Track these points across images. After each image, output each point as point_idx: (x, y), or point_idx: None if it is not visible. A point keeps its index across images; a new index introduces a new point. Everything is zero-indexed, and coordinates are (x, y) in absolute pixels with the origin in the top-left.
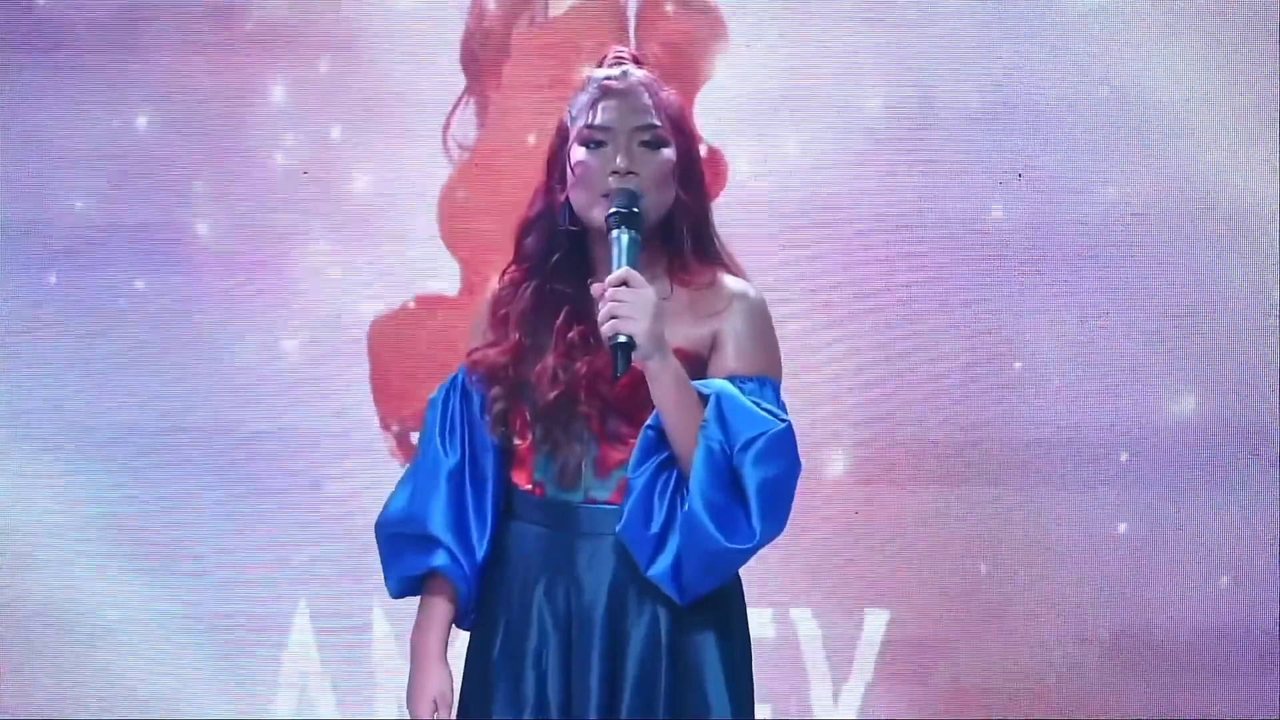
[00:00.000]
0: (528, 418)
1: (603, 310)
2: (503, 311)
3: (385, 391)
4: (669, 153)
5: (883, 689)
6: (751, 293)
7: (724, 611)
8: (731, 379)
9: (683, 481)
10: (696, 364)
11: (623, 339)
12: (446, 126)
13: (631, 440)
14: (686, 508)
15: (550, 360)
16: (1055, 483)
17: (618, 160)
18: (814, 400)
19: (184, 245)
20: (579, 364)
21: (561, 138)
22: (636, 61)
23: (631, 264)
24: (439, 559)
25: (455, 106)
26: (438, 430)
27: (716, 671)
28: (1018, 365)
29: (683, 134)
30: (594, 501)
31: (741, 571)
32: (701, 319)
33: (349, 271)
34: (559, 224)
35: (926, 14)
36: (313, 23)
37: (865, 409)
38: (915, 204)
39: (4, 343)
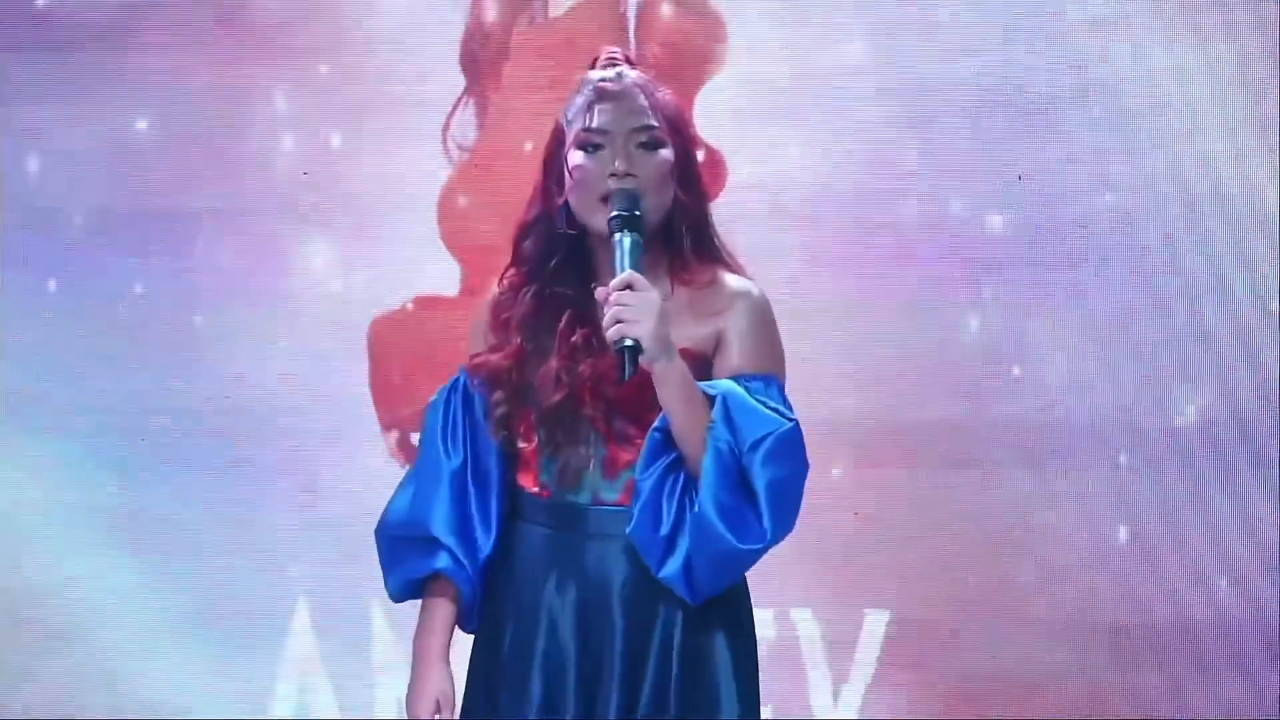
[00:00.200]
0: (532, 421)
1: (608, 315)
2: (504, 316)
3: (385, 392)
4: (667, 153)
5: (883, 689)
6: (754, 291)
7: (734, 611)
8: (737, 378)
9: (691, 482)
10: (700, 363)
11: (629, 343)
12: (446, 127)
13: (638, 441)
14: (696, 509)
15: (554, 363)
16: (1055, 483)
17: (616, 163)
18: (813, 401)
19: (183, 245)
20: (583, 366)
21: (558, 141)
22: (629, 62)
23: (634, 267)
24: (441, 561)
25: (455, 107)
26: (439, 432)
27: (727, 671)
28: (1016, 371)
29: (680, 134)
30: (602, 503)
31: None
32: (704, 318)
33: (348, 272)
34: (557, 228)
35: (926, 13)
36: (313, 23)
37: (865, 409)
38: (915, 204)
39: (4, 342)
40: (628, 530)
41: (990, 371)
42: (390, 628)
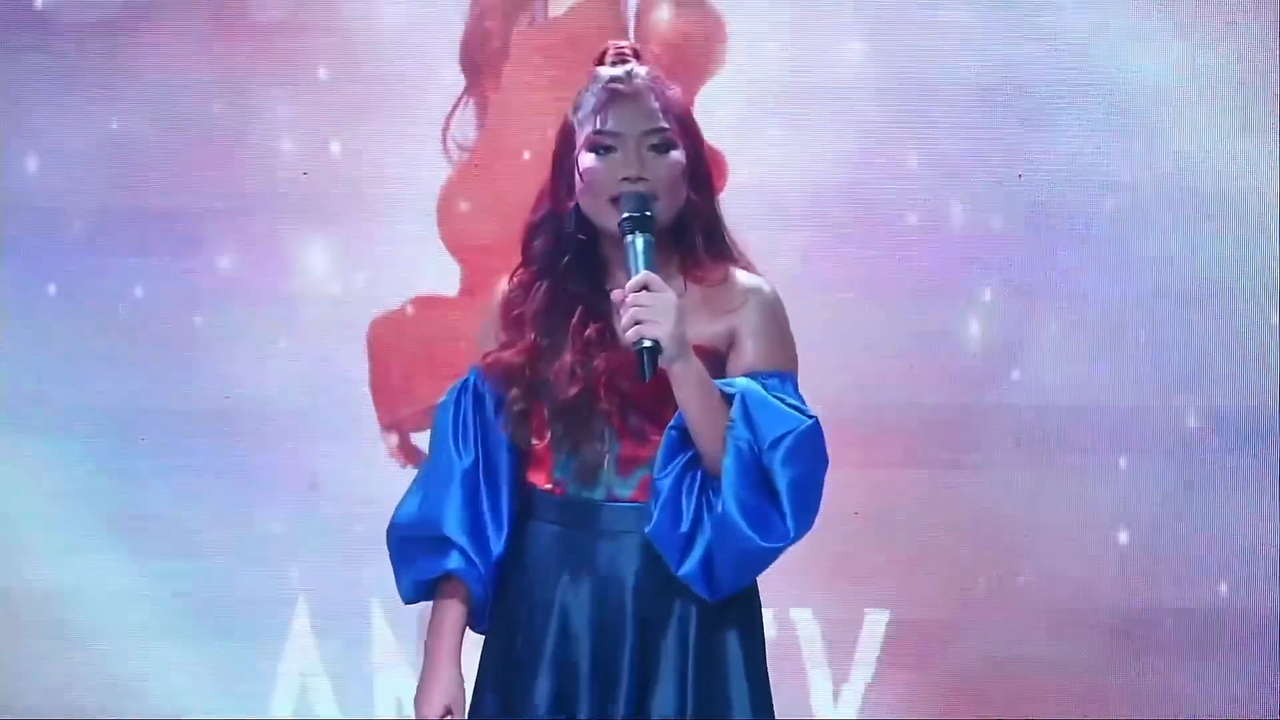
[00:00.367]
0: (546, 417)
1: (625, 316)
2: (515, 313)
3: (385, 392)
4: (678, 155)
5: (883, 689)
6: (765, 287)
7: (748, 610)
8: (753, 375)
9: (709, 480)
10: (714, 360)
11: (649, 343)
12: (446, 127)
13: (654, 437)
14: (719, 509)
15: (568, 357)
16: (1056, 484)
17: (627, 167)
18: (814, 399)
19: (183, 246)
20: (597, 360)
21: (567, 139)
22: (638, 55)
23: (648, 267)
24: (453, 561)
25: (455, 107)
26: (450, 432)
27: (739, 670)
28: (1016, 372)
29: (690, 134)
30: (616, 499)
31: None
32: (717, 315)
33: (348, 272)
34: (567, 229)
35: (926, 13)
36: (313, 23)
37: (865, 409)
38: (915, 203)
39: (4, 342)
40: (647, 529)
41: (990, 372)
42: (390, 628)
